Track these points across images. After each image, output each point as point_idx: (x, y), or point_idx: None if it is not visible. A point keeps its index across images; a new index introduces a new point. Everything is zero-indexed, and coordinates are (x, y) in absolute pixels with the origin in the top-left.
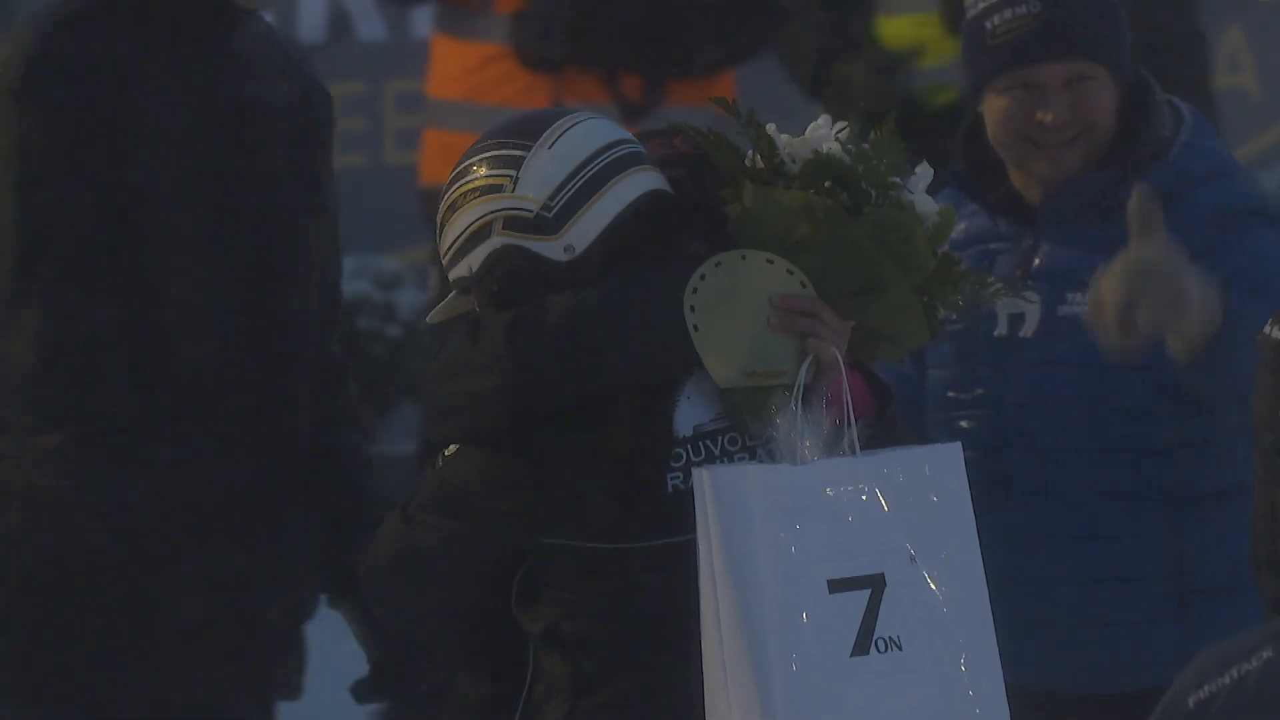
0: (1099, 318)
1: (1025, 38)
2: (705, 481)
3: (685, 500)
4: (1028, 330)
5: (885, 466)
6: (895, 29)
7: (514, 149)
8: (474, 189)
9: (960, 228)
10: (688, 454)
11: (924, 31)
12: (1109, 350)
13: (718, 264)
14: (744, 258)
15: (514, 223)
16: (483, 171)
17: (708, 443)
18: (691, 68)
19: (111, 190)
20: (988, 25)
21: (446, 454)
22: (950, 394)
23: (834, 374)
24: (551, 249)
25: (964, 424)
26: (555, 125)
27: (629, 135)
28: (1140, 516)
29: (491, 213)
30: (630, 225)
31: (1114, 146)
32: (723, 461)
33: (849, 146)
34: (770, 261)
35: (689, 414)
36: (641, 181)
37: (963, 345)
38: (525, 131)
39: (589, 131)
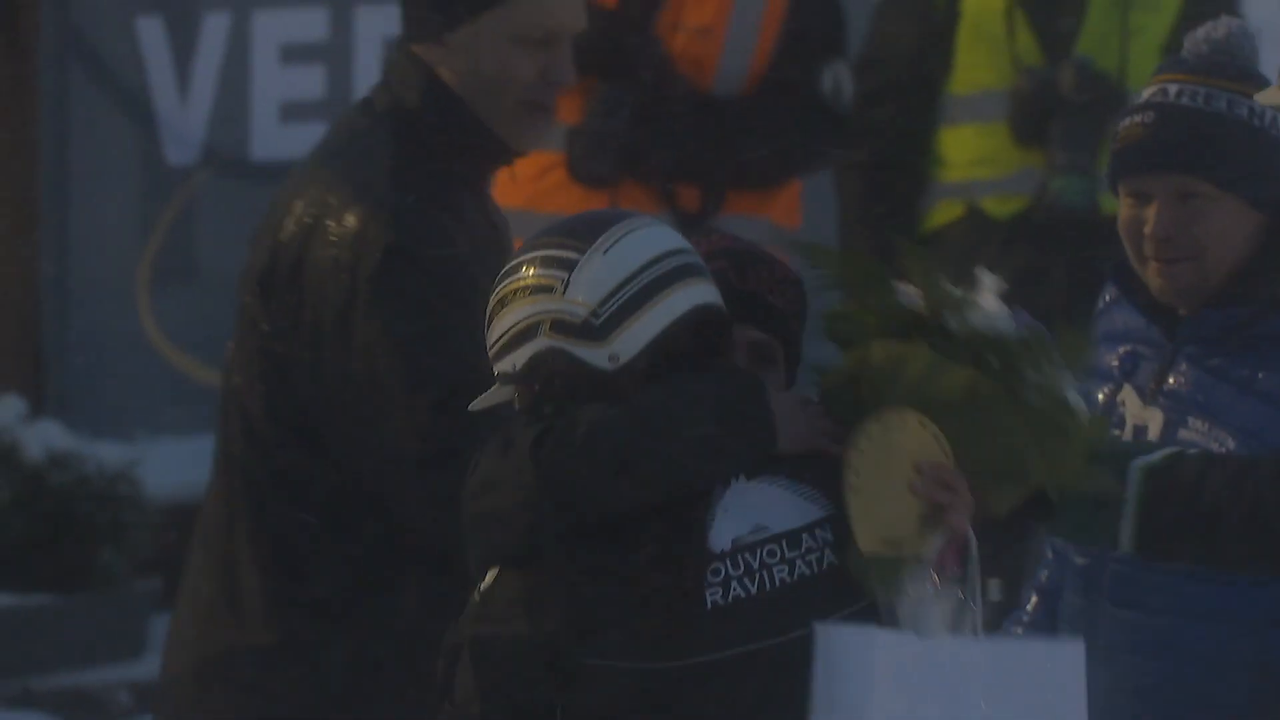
0: None
1: (1134, 146)
2: (828, 639)
3: (727, 616)
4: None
5: (1006, 655)
6: (959, 139)
7: (568, 250)
8: (524, 287)
9: (1118, 322)
10: (726, 568)
11: (990, 142)
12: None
13: (879, 421)
14: (900, 418)
15: (561, 326)
16: (534, 271)
17: (746, 556)
18: (749, 179)
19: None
20: (1117, 129)
21: (484, 583)
22: None
23: (965, 549)
24: (596, 356)
25: None
26: (612, 230)
27: (686, 244)
28: (1231, 639)
29: (539, 314)
30: (678, 338)
31: (1250, 279)
32: (763, 575)
33: (1027, 334)
34: (922, 425)
35: (727, 528)
36: (694, 294)
37: None
38: (581, 233)
39: (645, 239)
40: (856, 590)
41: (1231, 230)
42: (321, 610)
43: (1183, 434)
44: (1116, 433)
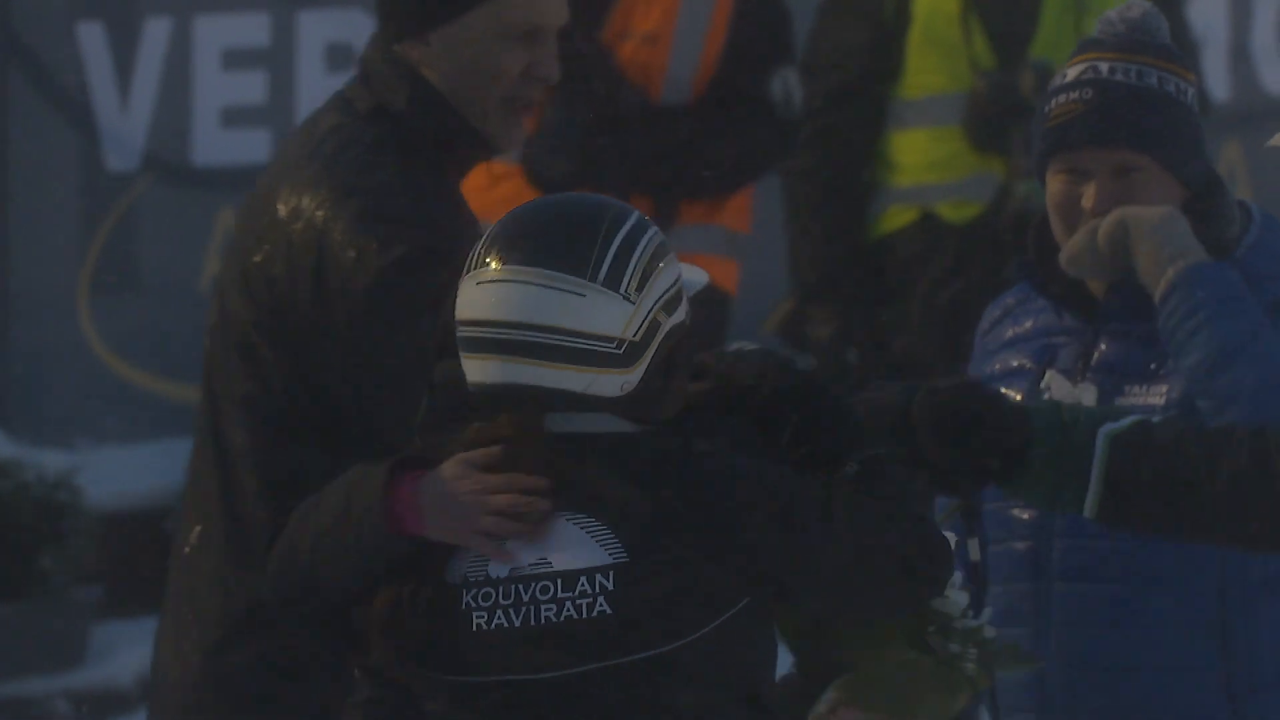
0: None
1: (1073, 122)
2: None
3: (484, 642)
4: None
5: None
6: (911, 144)
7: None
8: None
9: (1027, 325)
10: (497, 595)
11: (944, 146)
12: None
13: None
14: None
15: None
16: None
17: (519, 587)
18: (703, 188)
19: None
20: (1046, 108)
21: None
22: None
23: None
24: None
25: (1017, 512)
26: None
27: None
28: (1191, 607)
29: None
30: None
31: None
32: (530, 610)
33: (974, 632)
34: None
35: (513, 554)
36: None
37: None
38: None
39: None
40: (621, 645)
41: (1165, 200)
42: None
43: (1119, 401)
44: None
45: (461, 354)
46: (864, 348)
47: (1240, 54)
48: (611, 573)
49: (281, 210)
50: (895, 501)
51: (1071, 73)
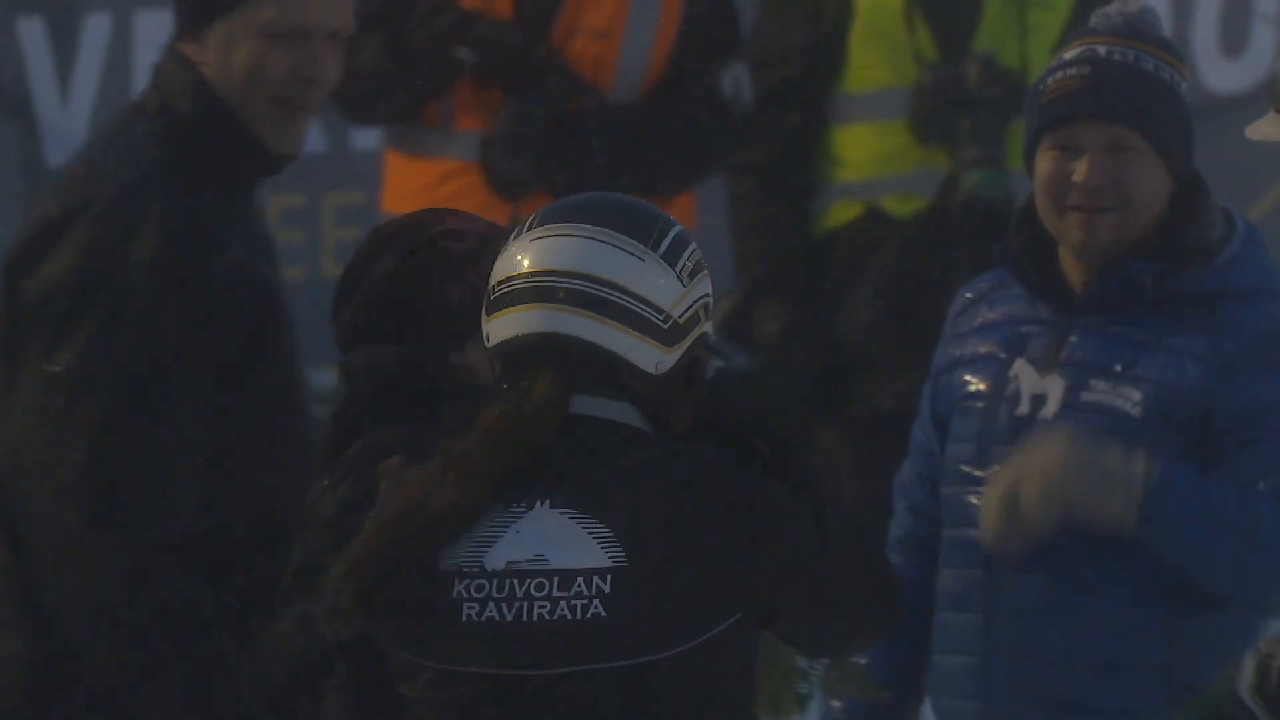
0: (987, 516)
1: (1068, 96)
2: None
3: (474, 634)
4: (1049, 412)
5: None
6: (856, 138)
7: None
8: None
9: (999, 312)
10: (490, 588)
11: (889, 140)
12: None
13: None
14: None
15: None
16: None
17: (513, 581)
18: (653, 189)
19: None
20: (1041, 85)
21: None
22: (965, 468)
23: None
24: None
25: (974, 499)
26: None
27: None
28: (1140, 605)
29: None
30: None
31: (1159, 237)
32: (523, 605)
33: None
34: None
35: (508, 548)
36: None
37: (984, 422)
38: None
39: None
40: (611, 649)
41: (1153, 187)
42: None
43: (1085, 396)
44: (1019, 411)
45: (494, 313)
46: (810, 343)
47: (1181, 44)
48: (610, 576)
49: (55, 210)
50: (859, 532)
51: (1069, 54)
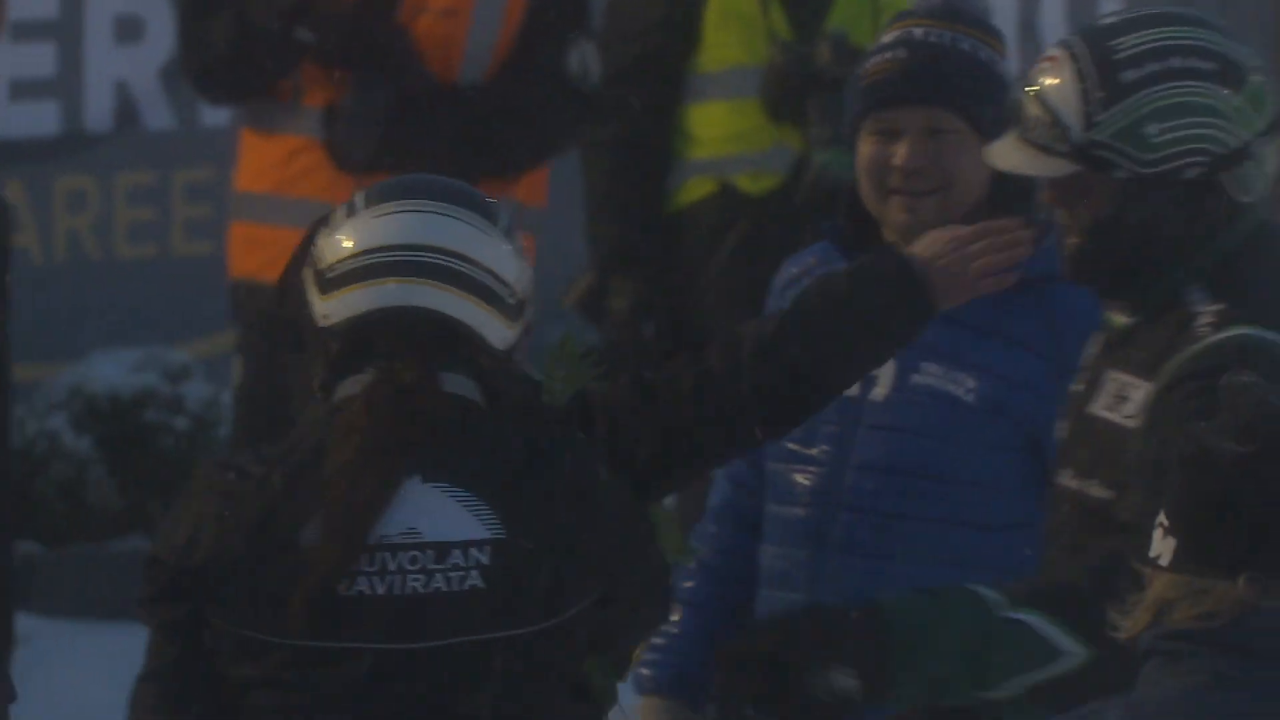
0: None
1: (887, 80)
2: None
3: (345, 609)
4: (878, 394)
5: None
6: (710, 116)
7: None
8: None
9: None
10: (361, 563)
11: (742, 118)
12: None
13: None
14: None
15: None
16: None
17: (384, 555)
18: (501, 168)
19: None
20: (861, 70)
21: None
22: (792, 446)
23: None
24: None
25: (800, 478)
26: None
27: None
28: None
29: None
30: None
31: (983, 218)
32: (395, 579)
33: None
34: None
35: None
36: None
37: None
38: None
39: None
40: (486, 622)
41: (974, 168)
42: None
43: (915, 379)
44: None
45: (338, 289)
46: (662, 320)
47: (1028, 32)
48: (489, 548)
49: None
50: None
51: (887, 38)
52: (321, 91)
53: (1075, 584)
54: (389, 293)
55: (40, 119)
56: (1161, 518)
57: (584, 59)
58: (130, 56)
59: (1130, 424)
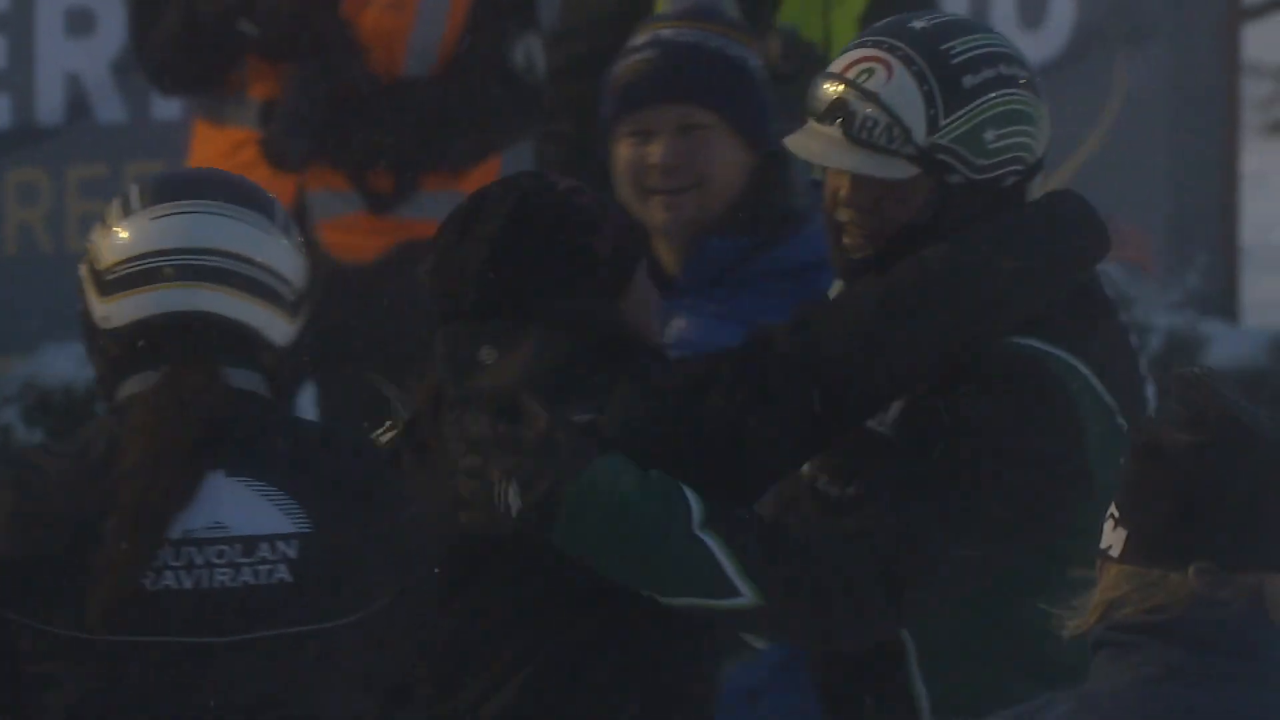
0: None
1: (637, 82)
2: None
3: (150, 603)
4: None
5: None
6: None
7: None
8: None
9: None
10: (166, 557)
11: None
12: None
13: None
14: None
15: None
16: None
17: (190, 549)
18: (443, 162)
19: None
20: (611, 74)
21: None
22: None
23: None
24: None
25: None
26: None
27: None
28: None
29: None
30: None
31: (743, 211)
32: (201, 573)
33: None
34: None
35: (184, 516)
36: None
37: None
38: None
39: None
40: (298, 615)
41: (730, 162)
42: None
43: None
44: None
45: (119, 292)
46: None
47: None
48: (296, 541)
49: None
50: None
51: (637, 40)
52: (264, 84)
53: (782, 528)
54: (170, 298)
55: None
56: (1112, 509)
57: (529, 53)
58: (81, 49)
59: (883, 431)
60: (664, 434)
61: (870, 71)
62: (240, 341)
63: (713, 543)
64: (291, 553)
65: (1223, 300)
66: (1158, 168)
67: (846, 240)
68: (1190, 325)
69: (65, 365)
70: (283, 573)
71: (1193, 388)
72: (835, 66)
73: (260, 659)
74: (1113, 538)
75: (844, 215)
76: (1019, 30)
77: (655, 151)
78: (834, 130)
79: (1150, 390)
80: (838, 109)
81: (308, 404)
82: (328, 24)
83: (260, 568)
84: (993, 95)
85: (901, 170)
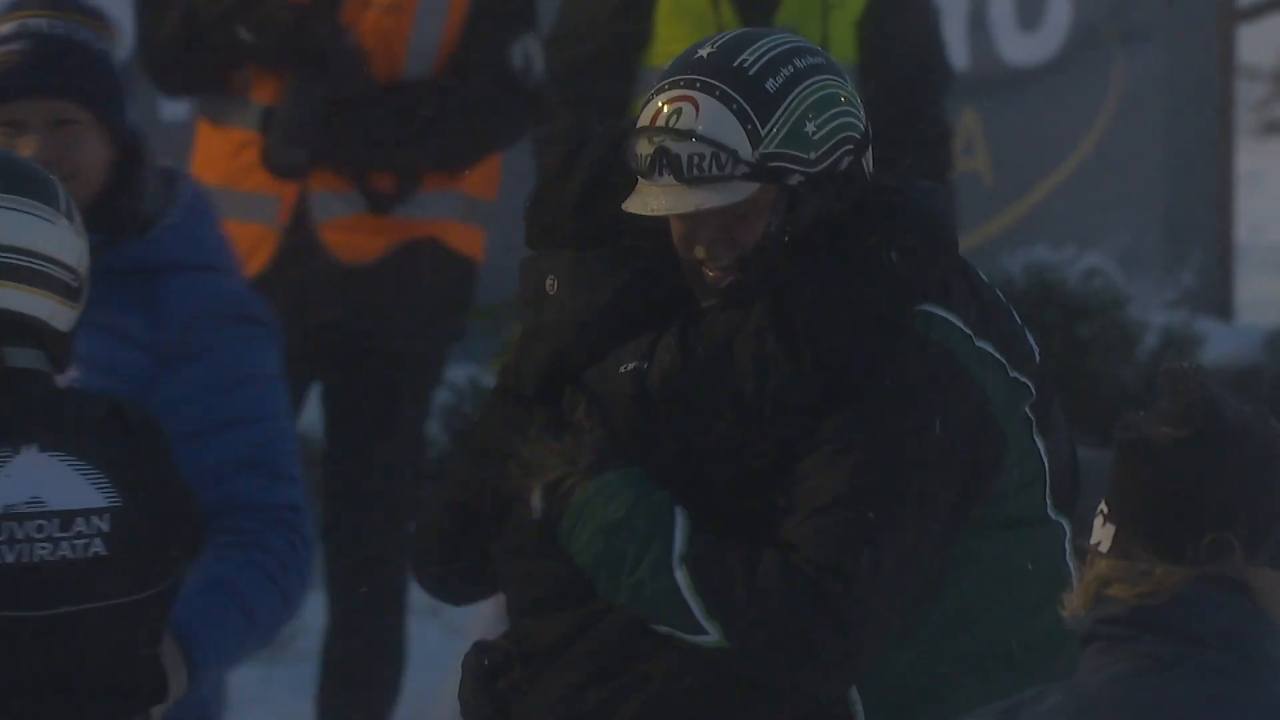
0: None
1: (10, 72)
2: None
3: None
4: None
5: None
6: None
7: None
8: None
9: None
10: None
11: None
12: None
13: None
14: None
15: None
16: None
17: (12, 524)
18: (442, 163)
19: None
20: None
21: None
22: None
23: None
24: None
25: None
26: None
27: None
28: None
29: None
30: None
31: (98, 209)
32: (23, 548)
33: None
34: None
35: (2, 492)
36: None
37: None
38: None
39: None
40: (113, 587)
41: (97, 156)
42: None
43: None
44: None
45: None
46: None
47: (978, 23)
48: (108, 515)
49: None
50: None
51: (5, 30)
52: (266, 87)
53: (753, 562)
54: None
55: None
56: (1101, 505)
57: (527, 54)
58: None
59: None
60: (697, 393)
61: (678, 113)
62: (24, 330)
63: (684, 581)
64: (105, 526)
65: (1217, 298)
66: (1153, 167)
67: (710, 274)
68: (1185, 323)
69: None
70: (98, 546)
71: (1179, 383)
72: (643, 122)
73: (77, 632)
74: (1101, 533)
75: (700, 254)
76: (1017, 31)
77: (27, 144)
78: (666, 180)
79: (1031, 339)
80: (661, 160)
81: (311, 402)
82: (325, 33)
83: (77, 542)
84: (798, 90)
85: (743, 191)
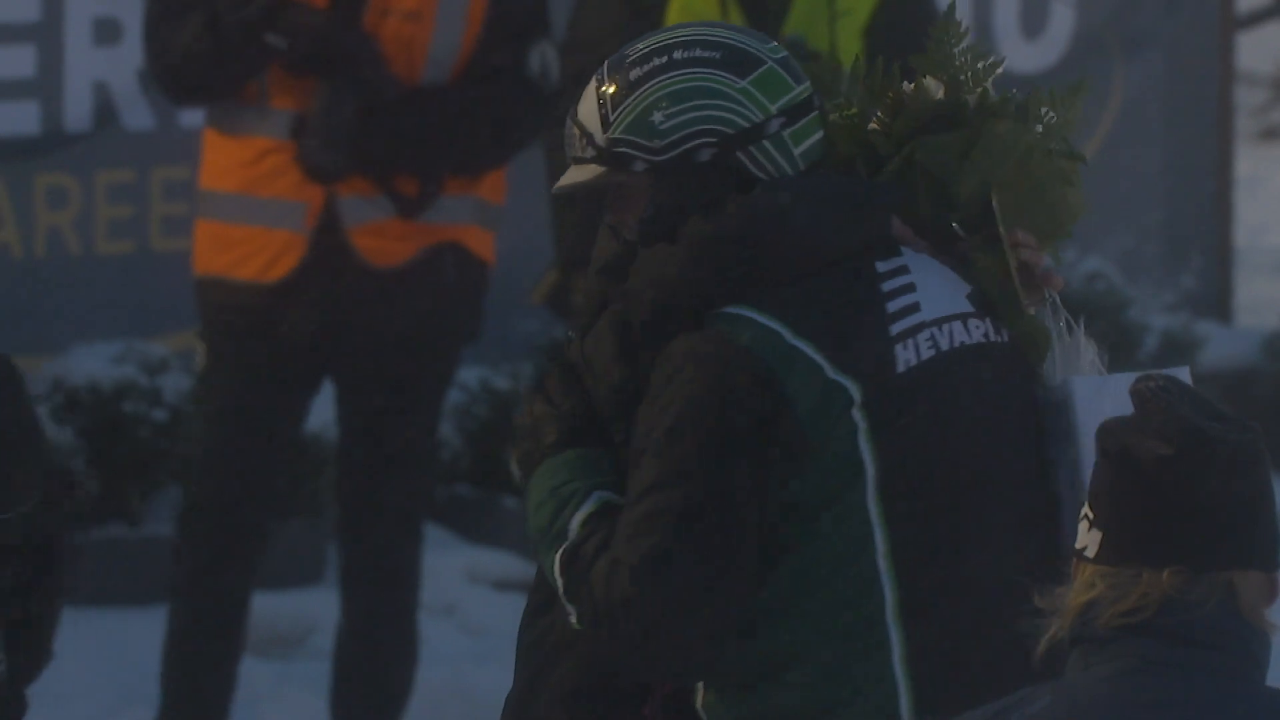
0: None
1: None
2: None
3: None
4: None
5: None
6: None
7: None
8: None
9: None
10: None
11: None
12: None
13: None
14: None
15: None
16: None
17: None
18: (463, 168)
19: None
20: None
21: None
22: None
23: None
24: None
25: None
26: None
27: None
28: None
29: None
30: None
31: None
32: None
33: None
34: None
35: None
36: None
37: None
38: None
39: None
40: None
41: None
42: None
43: None
44: None
45: None
46: None
47: (982, 31)
48: None
49: None
50: None
51: None
52: (289, 95)
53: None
54: None
55: (21, 119)
56: (1086, 510)
57: (544, 60)
58: (109, 58)
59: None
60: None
61: (582, 96)
62: None
63: (557, 562)
64: None
65: (1217, 301)
66: (1154, 172)
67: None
68: (1185, 326)
69: (93, 365)
70: None
71: (1152, 401)
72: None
73: None
74: (1088, 538)
75: (611, 220)
76: (1020, 39)
77: None
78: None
79: (895, 329)
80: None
81: (327, 402)
82: (353, 37)
83: None
84: (658, 79)
85: (589, 173)
